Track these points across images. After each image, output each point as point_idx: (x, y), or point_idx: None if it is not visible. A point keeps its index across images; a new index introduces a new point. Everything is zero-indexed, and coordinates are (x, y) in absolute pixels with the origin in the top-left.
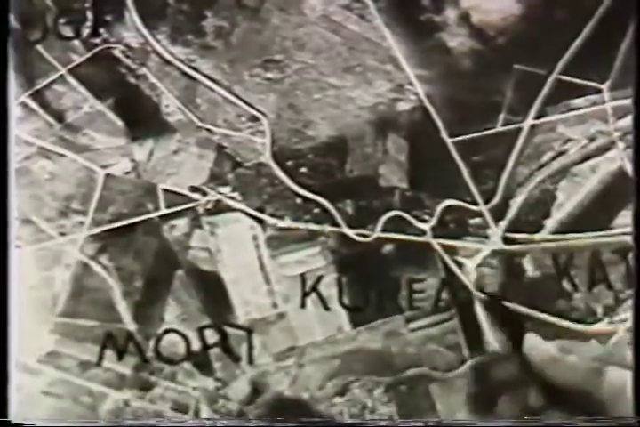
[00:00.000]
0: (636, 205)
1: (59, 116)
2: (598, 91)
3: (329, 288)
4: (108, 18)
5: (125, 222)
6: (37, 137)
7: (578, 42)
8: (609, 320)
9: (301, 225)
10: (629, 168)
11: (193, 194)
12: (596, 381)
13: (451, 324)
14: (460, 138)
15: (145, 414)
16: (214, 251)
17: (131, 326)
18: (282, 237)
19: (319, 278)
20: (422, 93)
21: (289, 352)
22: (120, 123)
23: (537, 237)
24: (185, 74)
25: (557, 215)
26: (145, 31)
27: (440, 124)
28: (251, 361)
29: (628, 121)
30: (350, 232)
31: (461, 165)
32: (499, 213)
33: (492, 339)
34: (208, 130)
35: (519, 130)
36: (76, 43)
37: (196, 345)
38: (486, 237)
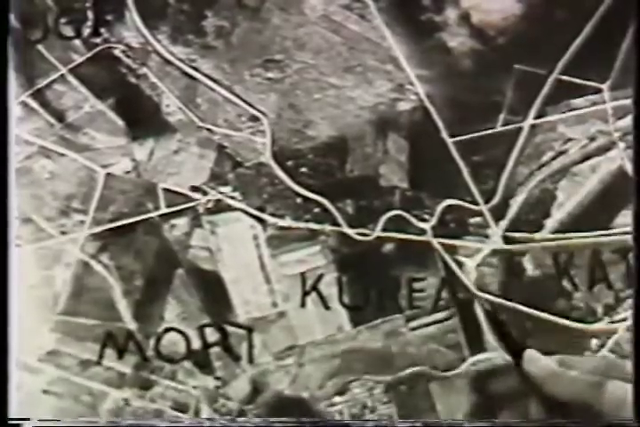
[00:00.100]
0: (637, 205)
1: (59, 116)
2: (598, 91)
3: (329, 287)
4: (109, 17)
5: (126, 222)
6: (38, 136)
7: (578, 42)
8: (609, 320)
9: (302, 224)
10: (629, 168)
11: (193, 193)
12: (597, 394)
13: (451, 323)
14: (461, 138)
15: (145, 414)
16: (215, 250)
17: (131, 324)
18: (282, 236)
19: (319, 277)
20: (423, 93)
21: (289, 351)
22: (120, 122)
23: (537, 236)
24: (185, 74)
25: (557, 215)
26: (145, 31)
27: (440, 124)
28: (251, 360)
29: (628, 121)
30: (351, 231)
31: (461, 164)
32: (499, 213)
33: (493, 339)
34: (208, 130)
35: (519, 130)
36: (77, 42)
37: (196, 344)
38: (486, 236)
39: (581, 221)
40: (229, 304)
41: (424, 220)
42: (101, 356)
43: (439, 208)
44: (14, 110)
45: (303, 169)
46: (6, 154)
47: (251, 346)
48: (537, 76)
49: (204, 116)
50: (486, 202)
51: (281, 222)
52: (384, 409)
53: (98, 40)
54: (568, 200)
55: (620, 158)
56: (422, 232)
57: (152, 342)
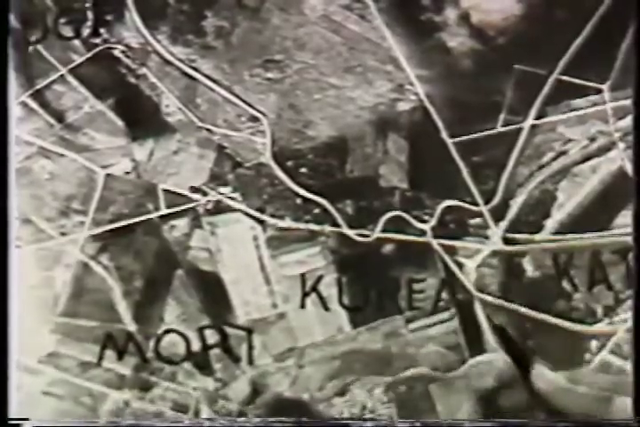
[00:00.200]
0: (637, 206)
1: (59, 116)
2: (599, 91)
3: (329, 288)
4: (109, 18)
5: (126, 222)
6: (38, 137)
7: (578, 42)
8: (609, 320)
9: (301, 225)
10: (630, 168)
11: (193, 194)
12: (604, 409)
13: (450, 324)
14: (461, 138)
15: (145, 415)
16: (214, 251)
17: (131, 326)
18: (282, 237)
19: (319, 278)
20: (422, 93)
21: (289, 353)
22: (120, 123)
23: (537, 237)
24: (185, 74)
25: (557, 216)
26: (145, 31)
27: (440, 124)
28: (251, 362)
29: (628, 121)
30: (350, 232)
31: (461, 165)
32: (499, 214)
33: (492, 339)
34: (208, 130)
35: (519, 130)
36: (77, 43)
37: (196, 345)
38: (486, 237)
39: (581, 221)
40: (229, 305)
41: (424, 221)
42: (101, 357)
43: (439, 209)
44: (14, 111)
45: (303, 169)
46: (6, 154)
47: (250, 347)
48: (537, 76)
49: (204, 117)
50: (486, 203)
51: (281, 223)
52: (384, 410)
53: (97, 40)
54: (568, 201)
55: (620, 159)
56: (422, 233)
57: (152, 343)
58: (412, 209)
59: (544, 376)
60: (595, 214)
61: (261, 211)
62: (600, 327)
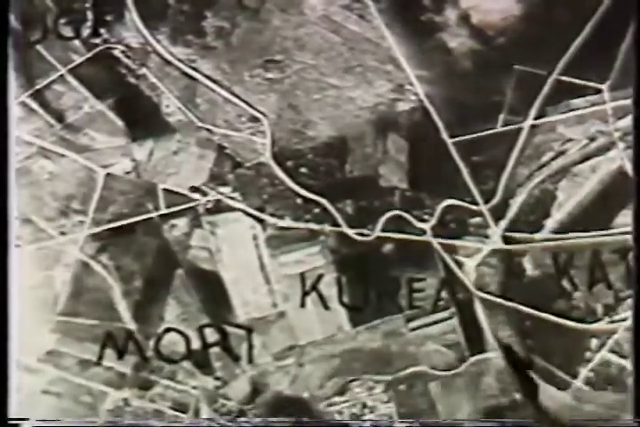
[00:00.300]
0: (636, 205)
1: (59, 116)
2: (598, 91)
3: (329, 287)
4: (109, 18)
5: (125, 222)
6: (37, 137)
7: (578, 42)
8: (609, 319)
9: (301, 225)
10: (629, 168)
11: (193, 194)
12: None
13: (450, 323)
14: (460, 138)
15: (145, 414)
16: (214, 250)
17: (131, 325)
18: (282, 236)
19: (319, 278)
20: (422, 94)
21: (289, 352)
22: (120, 123)
23: (537, 236)
24: (185, 74)
25: (557, 215)
26: (145, 31)
27: (440, 124)
28: (250, 360)
29: (627, 121)
30: (350, 232)
31: (461, 165)
32: (499, 213)
33: (492, 338)
34: (208, 130)
35: (519, 130)
36: (77, 43)
37: (195, 344)
38: (486, 236)
39: (581, 221)
40: (229, 305)
41: (424, 220)
42: (101, 356)
43: (439, 208)
44: (14, 111)
45: (303, 169)
46: (6, 154)
47: (250, 346)
48: (537, 76)
49: (204, 117)
50: (486, 202)
51: (281, 223)
52: (384, 409)
53: (97, 40)
54: (568, 200)
55: (619, 158)
56: (422, 232)
57: (152, 342)
58: (412, 209)
59: (551, 396)
60: (594, 214)
61: (261, 210)
62: (600, 326)
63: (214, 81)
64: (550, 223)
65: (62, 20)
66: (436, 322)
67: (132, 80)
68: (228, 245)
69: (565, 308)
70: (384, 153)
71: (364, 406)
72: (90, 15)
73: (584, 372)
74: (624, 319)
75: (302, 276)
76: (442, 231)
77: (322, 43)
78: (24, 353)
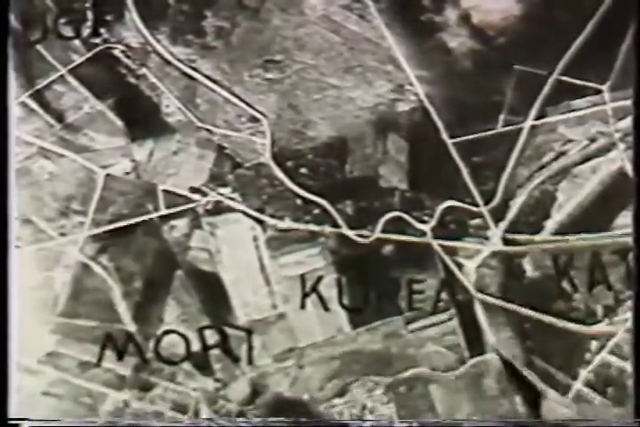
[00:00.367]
0: (637, 206)
1: (59, 117)
2: (598, 92)
3: (329, 289)
4: (109, 18)
5: (125, 223)
6: (37, 137)
7: (578, 42)
8: (609, 321)
9: (301, 226)
10: (630, 169)
11: (193, 194)
12: None
13: (450, 324)
14: (461, 139)
15: (145, 415)
16: (214, 251)
17: (130, 326)
18: (282, 237)
19: (319, 279)
20: (422, 94)
21: (289, 353)
22: (120, 123)
23: (537, 237)
24: (185, 74)
25: (557, 216)
26: (145, 31)
27: (440, 124)
28: (250, 362)
29: (628, 122)
30: (350, 233)
31: (461, 165)
32: (499, 214)
33: (492, 339)
34: (208, 130)
35: (519, 131)
36: (77, 43)
37: (195, 346)
38: (486, 237)
39: (581, 222)
40: (229, 306)
41: (424, 221)
42: (101, 357)
43: (439, 209)
44: (14, 111)
45: (303, 170)
46: (6, 155)
47: (250, 348)
48: (537, 76)
49: (204, 117)
50: (486, 203)
51: (281, 224)
52: (384, 410)
53: (97, 40)
54: (568, 201)
55: (620, 159)
56: (422, 234)
57: (152, 343)
58: (412, 210)
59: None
60: (595, 215)
61: (261, 211)
62: (600, 328)
63: (214, 81)
64: (550, 224)
65: (62, 20)
66: (435, 323)
67: (132, 80)
68: (227, 246)
69: (565, 309)
70: (384, 153)
71: (364, 407)
72: (90, 15)
73: (584, 373)
74: (624, 321)
75: (302, 277)
76: (442, 233)
77: (322, 43)
78: (24, 354)
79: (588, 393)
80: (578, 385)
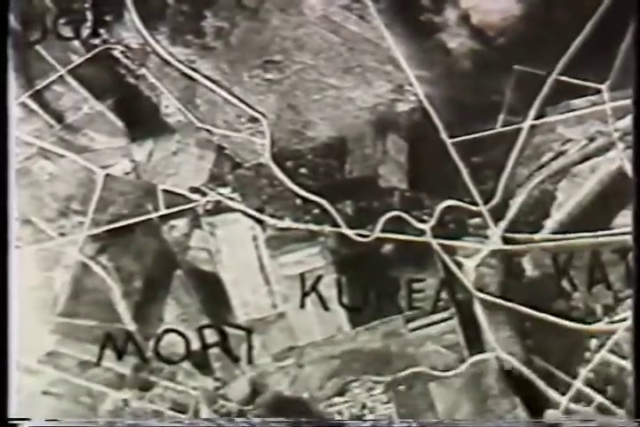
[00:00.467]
0: (636, 206)
1: (58, 117)
2: (598, 91)
3: (328, 288)
4: (108, 18)
5: (125, 223)
6: (37, 137)
7: (577, 42)
8: (608, 320)
9: (301, 225)
10: (629, 168)
11: (192, 194)
12: None
13: (450, 323)
14: (460, 138)
15: (144, 414)
16: (214, 251)
17: (130, 326)
18: (281, 237)
19: (319, 278)
20: (422, 94)
21: (288, 352)
22: (120, 123)
23: (536, 237)
24: (184, 74)
25: (557, 215)
26: (145, 32)
27: (440, 124)
28: (250, 361)
29: (627, 121)
30: (350, 232)
31: (461, 165)
32: (498, 214)
33: (492, 338)
34: (208, 131)
35: (519, 130)
36: (76, 43)
37: (195, 345)
38: (486, 237)
39: (581, 221)
40: (229, 305)
41: (423, 220)
42: (101, 357)
43: (438, 209)
44: (14, 111)
45: (302, 170)
46: (6, 155)
47: (250, 347)
48: (536, 76)
49: (204, 117)
50: (486, 203)
51: (280, 223)
52: (384, 409)
53: (97, 41)
54: (567, 201)
55: (619, 159)
56: (421, 233)
57: (151, 343)
58: (412, 209)
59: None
60: (594, 214)
61: (261, 211)
62: (599, 326)
63: (214, 81)
64: (550, 224)
65: (62, 21)
66: (435, 323)
67: (132, 80)
68: (227, 245)
69: (565, 308)
70: (384, 153)
71: (364, 406)
72: (89, 15)
73: (583, 372)
74: (624, 320)
75: (302, 276)
76: (441, 232)
77: (321, 43)
78: (24, 354)
79: (587, 392)
80: (577, 384)
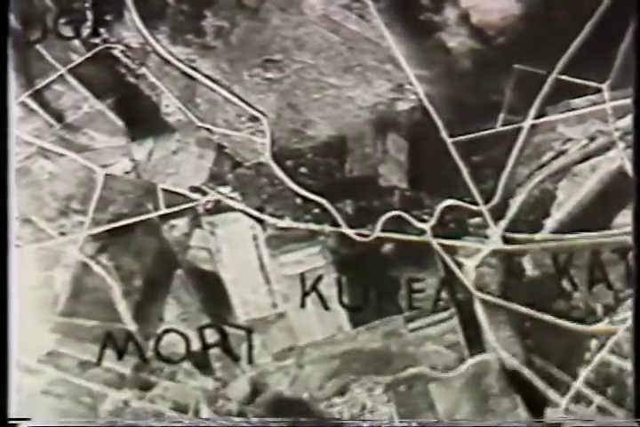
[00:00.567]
0: (636, 205)
1: (58, 116)
2: (598, 90)
3: (329, 288)
4: (108, 18)
5: (125, 222)
6: (37, 137)
7: (578, 42)
8: (609, 320)
9: (301, 225)
10: (629, 168)
11: (193, 194)
12: None
13: (450, 323)
14: (460, 138)
15: (145, 414)
16: (214, 251)
17: (130, 325)
18: (282, 236)
19: (319, 278)
20: (422, 93)
21: (288, 352)
22: (120, 122)
23: (537, 236)
24: (185, 74)
25: (557, 215)
26: (145, 31)
27: (440, 123)
28: (250, 361)
29: (627, 121)
30: (350, 232)
31: (461, 164)
32: (498, 213)
33: (492, 338)
34: (208, 130)
35: (519, 130)
36: (76, 42)
37: (195, 345)
38: (486, 236)
39: (581, 221)
40: (229, 305)
41: (423, 220)
42: (101, 357)
43: (439, 208)
44: (14, 111)
45: (303, 169)
46: (6, 154)
47: (250, 347)
48: (536, 75)
49: (204, 117)
50: (486, 202)
51: (280, 223)
52: (384, 409)
53: (97, 40)
54: (568, 200)
55: (619, 158)
56: (422, 232)
57: (152, 342)
58: (412, 209)
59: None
60: (594, 214)
61: (261, 210)
62: (600, 326)
63: (214, 80)
64: (550, 223)
65: (62, 20)
66: (435, 322)
67: (132, 80)
68: (227, 245)
69: (565, 308)
70: (384, 153)
71: (364, 406)
72: (89, 15)
73: (584, 372)
74: (624, 320)
75: (302, 276)
76: (441, 231)
77: (321, 42)
78: (24, 354)
79: (587, 392)
80: (577, 384)
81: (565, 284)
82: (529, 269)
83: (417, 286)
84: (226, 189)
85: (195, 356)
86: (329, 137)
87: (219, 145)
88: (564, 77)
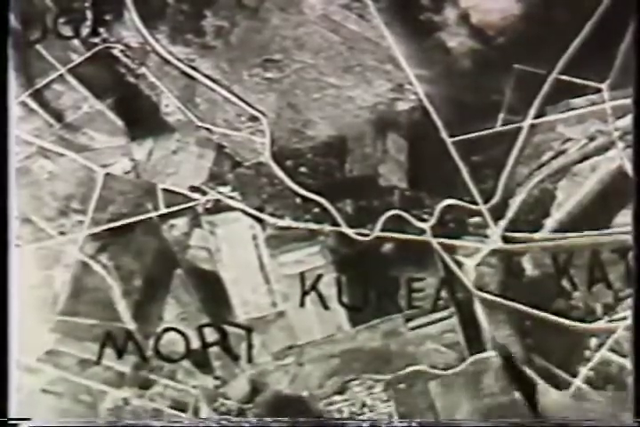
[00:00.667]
0: (636, 205)
1: (58, 116)
2: (598, 90)
3: (328, 287)
4: (108, 17)
5: (125, 222)
6: (37, 137)
7: (578, 42)
8: (608, 319)
9: (301, 224)
10: (629, 168)
11: (192, 193)
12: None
13: (450, 322)
14: (460, 137)
15: (144, 413)
16: (214, 250)
17: (130, 324)
18: (281, 236)
19: (319, 277)
20: (422, 93)
21: (288, 351)
22: (119, 122)
23: (536, 236)
24: (184, 73)
25: (557, 215)
26: (144, 31)
27: (440, 123)
28: (250, 360)
29: (627, 120)
30: (350, 231)
31: (461, 164)
32: (498, 213)
33: (491, 337)
34: (207, 129)
35: (519, 129)
36: (76, 42)
37: (195, 344)
38: (486, 236)
39: (581, 220)
40: (228, 304)
41: (423, 220)
42: (101, 356)
43: (438, 208)
44: (14, 110)
45: (302, 169)
46: (6, 154)
47: (250, 346)
48: (536, 75)
49: (203, 116)
50: (485, 202)
51: (280, 222)
52: (383, 408)
53: (97, 40)
54: (567, 200)
55: (619, 158)
56: (421, 232)
57: (151, 341)
58: (412, 208)
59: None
60: (594, 213)
61: (261, 210)
62: (599, 325)
63: (213, 80)
64: (550, 223)
65: (62, 20)
66: (435, 321)
67: (132, 79)
68: (227, 244)
69: (565, 307)
70: (383, 152)
71: (364, 405)
72: (89, 14)
73: (584, 371)
74: (623, 319)
75: (302, 275)
76: (441, 231)
77: (321, 42)
78: (24, 353)
79: (587, 391)
80: (578, 383)
81: (565, 283)
82: (529, 268)
83: (417, 285)
84: (226, 189)
85: (194, 355)
86: (329, 137)
87: (218, 145)
88: (563, 77)
